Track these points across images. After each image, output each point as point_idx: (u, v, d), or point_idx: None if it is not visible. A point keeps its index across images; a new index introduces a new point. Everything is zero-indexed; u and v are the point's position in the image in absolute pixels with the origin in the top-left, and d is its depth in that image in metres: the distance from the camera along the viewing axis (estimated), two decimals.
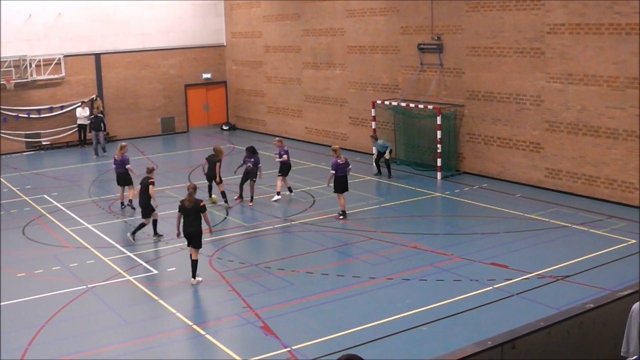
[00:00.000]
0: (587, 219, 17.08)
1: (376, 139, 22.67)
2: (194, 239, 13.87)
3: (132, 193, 19.36)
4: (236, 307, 12.70)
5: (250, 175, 19.49)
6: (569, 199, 18.91)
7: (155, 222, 16.71)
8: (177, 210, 14.20)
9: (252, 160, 19.43)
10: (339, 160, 17.78)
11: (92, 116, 28.53)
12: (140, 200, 16.57)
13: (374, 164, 22.92)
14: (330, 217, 18.01)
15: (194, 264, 13.83)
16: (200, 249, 14.12)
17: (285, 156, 20.06)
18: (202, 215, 13.84)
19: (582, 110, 18.83)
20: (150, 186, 16.42)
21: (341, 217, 17.84)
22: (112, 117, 30.77)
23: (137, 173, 19.32)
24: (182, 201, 14.05)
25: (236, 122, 33.79)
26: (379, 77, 25.34)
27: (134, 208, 19.14)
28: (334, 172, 17.75)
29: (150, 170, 16.92)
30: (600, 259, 14.31)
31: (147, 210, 16.45)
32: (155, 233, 16.76)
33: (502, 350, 6.16)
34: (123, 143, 20.16)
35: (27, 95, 29.40)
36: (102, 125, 28.11)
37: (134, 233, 16.54)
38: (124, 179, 19.32)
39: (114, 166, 19.62)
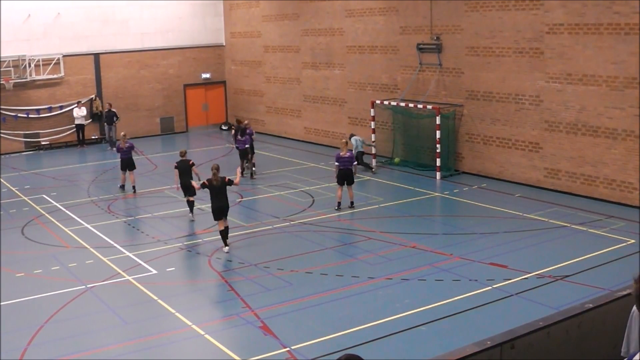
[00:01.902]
0: (586, 218, 17.09)
1: (352, 136, 23.60)
2: (224, 212, 15.52)
3: (133, 178, 21.42)
4: (235, 307, 12.69)
5: (244, 154, 22.51)
6: (568, 198, 18.91)
7: (191, 204, 18.23)
8: (201, 186, 16.00)
9: (243, 139, 22.33)
10: (341, 153, 18.44)
11: (106, 110, 29.67)
12: (184, 181, 18.07)
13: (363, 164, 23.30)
14: (330, 217, 18.02)
15: (226, 232, 15.59)
16: (199, 250, 14.11)
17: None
18: (231, 186, 15.88)
19: (581, 110, 18.83)
20: (193, 167, 18.45)
21: (351, 205, 18.66)
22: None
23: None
24: (209, 180, 15.57)
25: (235, 122, 33.75)
26: (378, 77, 25.34)
27: (135, 192, 21.23)
28: (338, 164, 18.34)
29: (184, 153, 18.70)
30: (600, 259, 14.31)
31: (191, 189, 17.85)
32: (191, 211, 18.27)
33: (501, 350, 6.16)
34: (123, 132, 22.54)
35: (26, 95, 29.39)
36: (115, 118, 29.46)
37: (191, 212, 18.26)
38: (129, 164, 21.30)
39: (118, 154, 21.63)
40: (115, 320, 12.46)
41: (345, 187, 18.55)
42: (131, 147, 21.40)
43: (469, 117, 22.01)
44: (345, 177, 18.42)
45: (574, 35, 18.78)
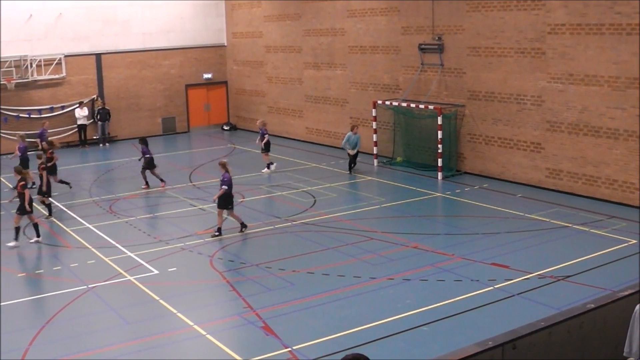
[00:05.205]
0: (588, 219, 17.08)
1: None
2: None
3: (31, 176, 21.59)
4: (237, 307, 12.70)
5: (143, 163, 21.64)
6: (569, 199, 18.90)
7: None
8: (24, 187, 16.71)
9: (141, 150, 21.66)
10: (228, 175, 16.66)
11: (100, 108, 30.22)
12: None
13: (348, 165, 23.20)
14: (331, 217, 18.02)
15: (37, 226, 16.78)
16: (200, 250, 14.11)
17: (266, 136, 23.49)
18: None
19: (583, 111, 18.82)
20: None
21: (242, 229, 16.91)
22: (113, 117, 30.79)
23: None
24: (25, 179, 16.90)
25: (237, 122, 33.80)
26: (380, 77, 25.34)
27: (34, 187, 21.08)
28: (226, 187, 16.48)
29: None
30: (601, 259, 14.30)
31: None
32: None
33: (502, 351, 6.17)
34: (22, 132, 24.24)
35: (28, 95, 29.40)
36: (108, 115, 30.35)
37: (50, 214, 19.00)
38: (27, 164, 21.57)
39: (18, 153, 22.10)
40: (116, 321, 12.46)
41: (226, 211, 16.72)
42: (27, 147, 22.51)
43: (470, 117, 22.01)
44: (231, 200, 16.72)
45: (575, 35, 18.78)
